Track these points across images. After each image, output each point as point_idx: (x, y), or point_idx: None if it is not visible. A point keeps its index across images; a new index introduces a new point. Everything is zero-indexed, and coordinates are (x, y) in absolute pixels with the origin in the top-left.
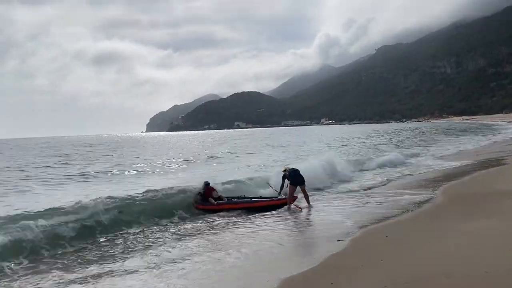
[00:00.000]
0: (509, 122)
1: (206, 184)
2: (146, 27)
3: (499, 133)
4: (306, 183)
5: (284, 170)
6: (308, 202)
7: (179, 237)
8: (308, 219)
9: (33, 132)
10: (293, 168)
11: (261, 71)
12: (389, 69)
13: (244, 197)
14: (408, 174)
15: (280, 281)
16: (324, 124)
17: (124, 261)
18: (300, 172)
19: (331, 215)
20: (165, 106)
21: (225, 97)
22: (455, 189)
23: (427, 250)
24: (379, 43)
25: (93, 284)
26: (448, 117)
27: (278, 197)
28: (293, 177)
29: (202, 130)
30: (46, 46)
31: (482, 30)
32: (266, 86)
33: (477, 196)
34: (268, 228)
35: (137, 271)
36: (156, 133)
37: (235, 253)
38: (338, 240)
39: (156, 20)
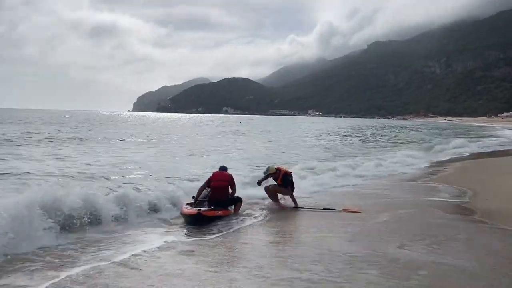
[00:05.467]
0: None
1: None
2: (142, 3)
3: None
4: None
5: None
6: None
7: None
8: None
9: (15, 103)
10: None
11: (258, 57)
12: (380, 65)
13: None
14: None
15: None
16: (311, 116)
17: None
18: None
19: None
20: (154, 86)
21: (215, 81)
22: None
23: None
24: (380, 37)
25: None
26: (434, 116)
27: None
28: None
29: (189, 113)
30: (40, 12)
31: (474, 33)
32: (261, 72)
33: None
34: None
35: None
36: (144, 113)
37: None
38: None
39: None
